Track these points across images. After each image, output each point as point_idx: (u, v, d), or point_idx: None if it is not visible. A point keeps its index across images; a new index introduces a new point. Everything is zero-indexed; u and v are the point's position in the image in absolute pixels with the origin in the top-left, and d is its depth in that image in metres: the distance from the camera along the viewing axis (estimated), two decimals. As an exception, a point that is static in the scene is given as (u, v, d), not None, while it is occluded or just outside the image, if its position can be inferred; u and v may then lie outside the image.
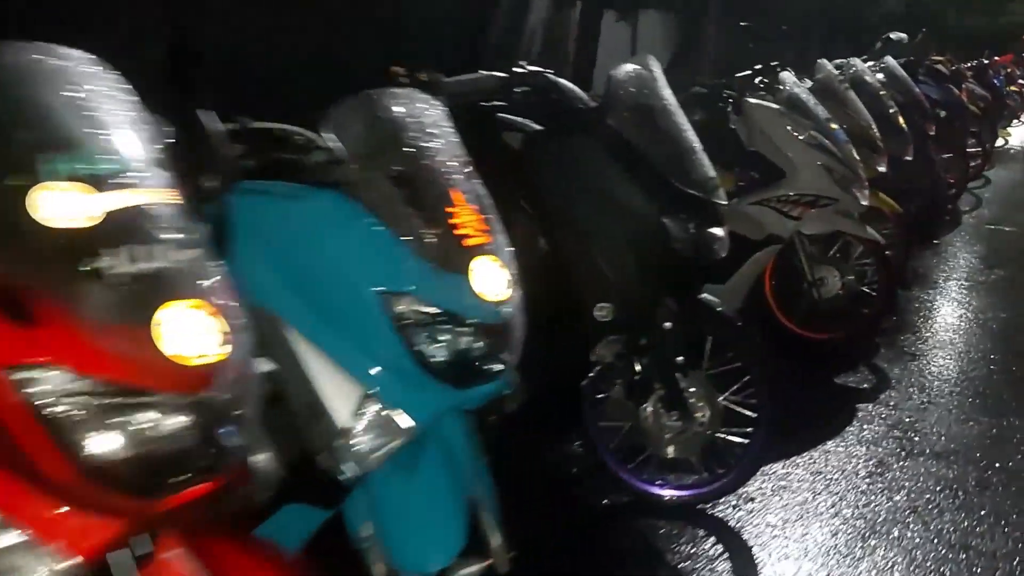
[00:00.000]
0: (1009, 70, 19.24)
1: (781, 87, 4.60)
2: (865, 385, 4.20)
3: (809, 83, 5.36)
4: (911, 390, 4.10)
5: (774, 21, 12.17)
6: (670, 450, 2.93)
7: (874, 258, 4.59)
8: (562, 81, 2.73)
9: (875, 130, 5.36)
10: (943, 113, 8.59)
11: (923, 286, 5.89)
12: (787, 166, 4.45)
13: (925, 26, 15.02)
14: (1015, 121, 18.43)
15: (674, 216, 2.70)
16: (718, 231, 2.83)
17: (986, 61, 15.04)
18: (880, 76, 7.51)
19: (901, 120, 6.08)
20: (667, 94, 2.80)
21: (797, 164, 4.42)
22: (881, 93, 6.10)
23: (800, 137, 4.44)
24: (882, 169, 5.31)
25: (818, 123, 4.50)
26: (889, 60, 7.69)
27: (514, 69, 2.70)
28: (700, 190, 2.75)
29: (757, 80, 5.06)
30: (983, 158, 10.24)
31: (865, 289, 4.62)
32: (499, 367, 1.71)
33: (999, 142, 14.86)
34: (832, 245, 4.61)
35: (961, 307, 5.48)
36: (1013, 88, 18.86)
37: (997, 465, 3.36)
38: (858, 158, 4.91)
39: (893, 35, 8.88)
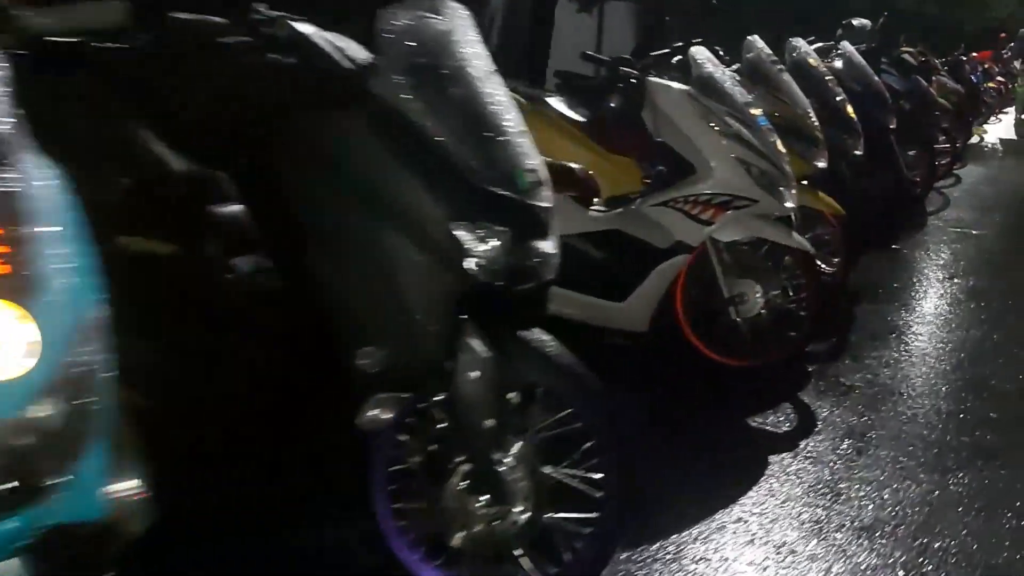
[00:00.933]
0: (987, 66, 18.59)
1: (695, 66, 3.83)
2: (785, 427, 3.43)
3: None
4: (839, 437, 3.34)
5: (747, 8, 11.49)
6: (484, 541, 2.14)
7: (803, 270, 3.83)
8: (321, 36, 1.93)
9: (813, 120, 4.61)
10: (907, 106, 7.87)
11: (871, 300, 5.12)
12: (697, 160, 3.69)
13: (903, 19, 14.40)
14: (992, 118, 17.79)
15: (474, 225, 1.92)
16: (543, 245, 2.05)
17: (963, 56, 14.36)
18: (837, 64, 6.80)
19: (850, 110, 5.33)
20: (468, 52, 2.02)
21: (709, 158, 3.67)
22: (827, 79, 5.35)
23: (713, 126, 3.67)
24: (821, 165, 4.57)
25: (736, 109, 3.74)
26: (846, 46, 6.95)
27: (251, 15, 1.90)
28: (509, 188, 1.98)
29: (676, 60, 4.34)
30: (953, 155, 9.52)
31: (793, 307, 3.86)
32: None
33: (973, 139, 14.19)
34: (755, 255, 3.85)
35: (913, 326, 4.71)
36: (991, 85, 18.23)
37: (936, 545, 2.60)
38: (785, 151, 4.18)
39: (855, 21, 8.13)
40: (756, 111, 3.77)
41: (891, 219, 7.08)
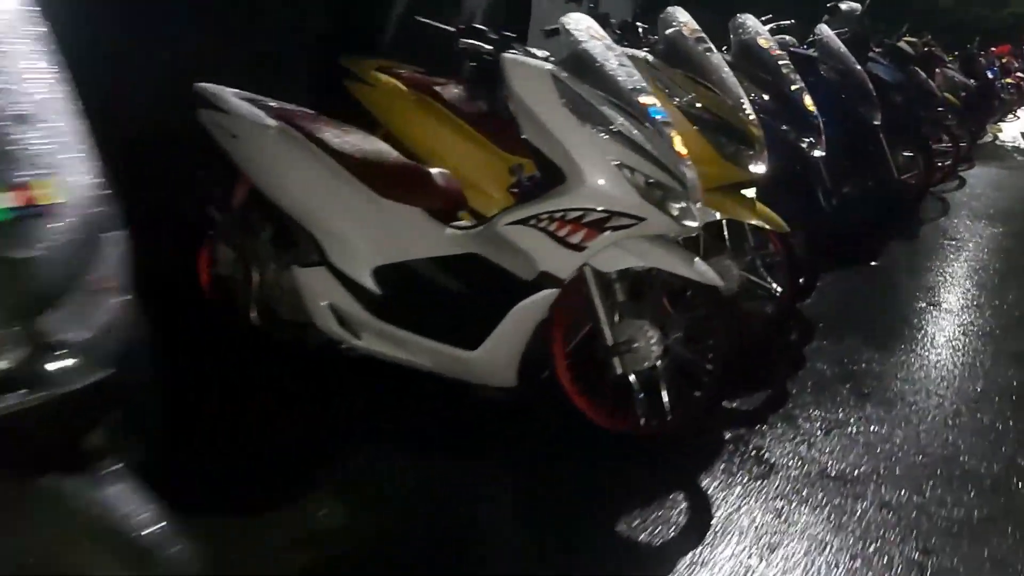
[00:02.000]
0: (1005, 60, 17.46)
1: (566, 36, 2.92)
2: (674, 527, 2.51)
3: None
4: (746, 546, 2.42)
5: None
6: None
7: (708, 310, 2.90)
8: None
9: (748, 113, 3.68)
10: (899, 99, 6.90)
11: (826, 335, 4.14)
12: (565, 164, 2.78)
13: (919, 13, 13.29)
14: (1009, 116, 16.68)
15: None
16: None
17: (978, 50, 13.30)
18: (811, 51, 5.87)
19: (808, 102, 4.39)
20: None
21: (579, 161, 2.76)
22: (782, 64, 4.41)
23: (585, 119, 2.76)
24: (757, 170, 3.63)
25: (620, 96, 2.82)
26: (823, 29, 6.02)
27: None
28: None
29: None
30: (957, 155, 8.52)
31: (698, 358, 2.94)
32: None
33: (986, 137, 13.15)
34: (650, 289, 2.94)
35: (874, 375, 3.75)
36: (1009, 80, 17.10)
37: None
38: (706, 151, 3.30)
39: (843, 4, 7.15)
40: (648, 100, 2.85)
41: (876, 229, 6.14)
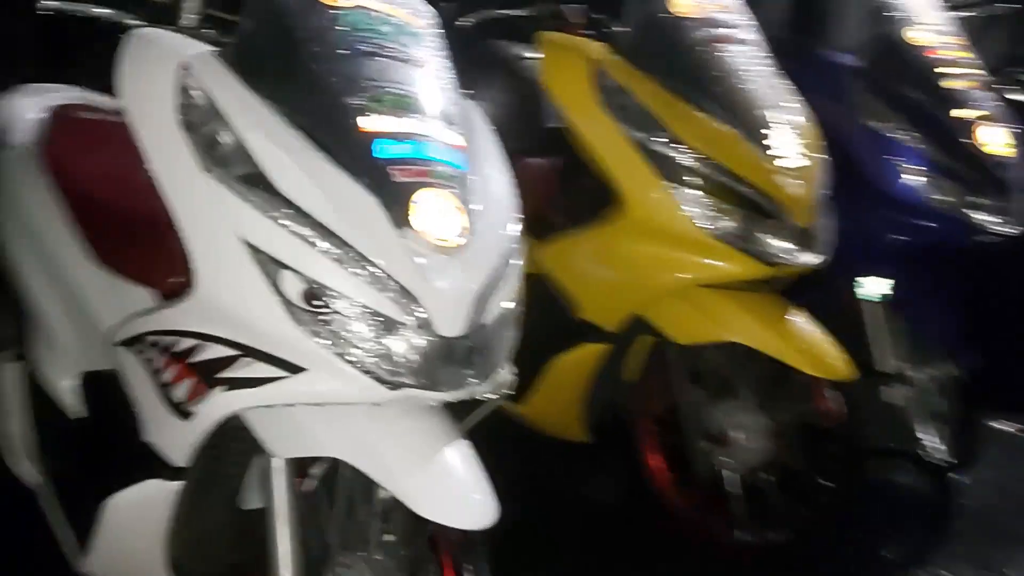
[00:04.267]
0: None
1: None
2: None
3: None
4: None
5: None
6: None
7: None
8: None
9: (782, 162, 2.13)
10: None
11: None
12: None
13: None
14: None
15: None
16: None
17: None
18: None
19: (995, 141, 2.93)
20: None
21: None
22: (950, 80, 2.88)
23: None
24: (806, 260, 2.21)
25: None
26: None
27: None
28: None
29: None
30: None
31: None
32: None
33: None
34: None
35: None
36: None
37: None
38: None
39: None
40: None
41: None
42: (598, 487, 2.49)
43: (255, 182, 1.35)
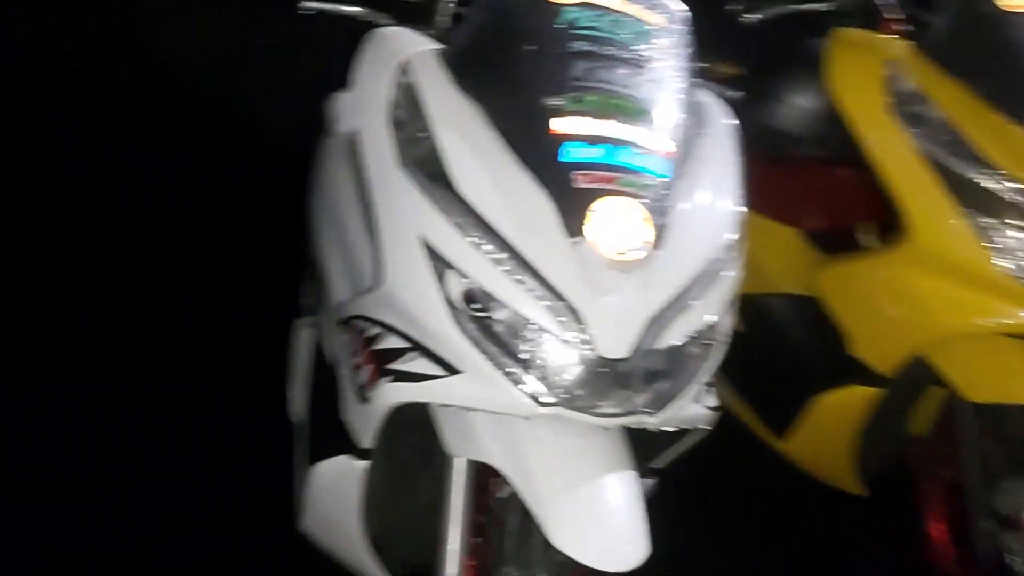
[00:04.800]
0: None
1: None
2: None
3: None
4: None
5: None
6: None
7: None
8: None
9: None
10: None
11: None
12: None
13: None
14: None
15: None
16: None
17: None
18: None
19: None
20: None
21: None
22: None
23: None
24: None
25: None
26: None
27: None
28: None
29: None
30: None
31: None
32: None
33: None
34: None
35: None
36: None
37: None
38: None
39: None
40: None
41: None
42: (863, 549, 2.19)
43: (438, 179, 1.36)
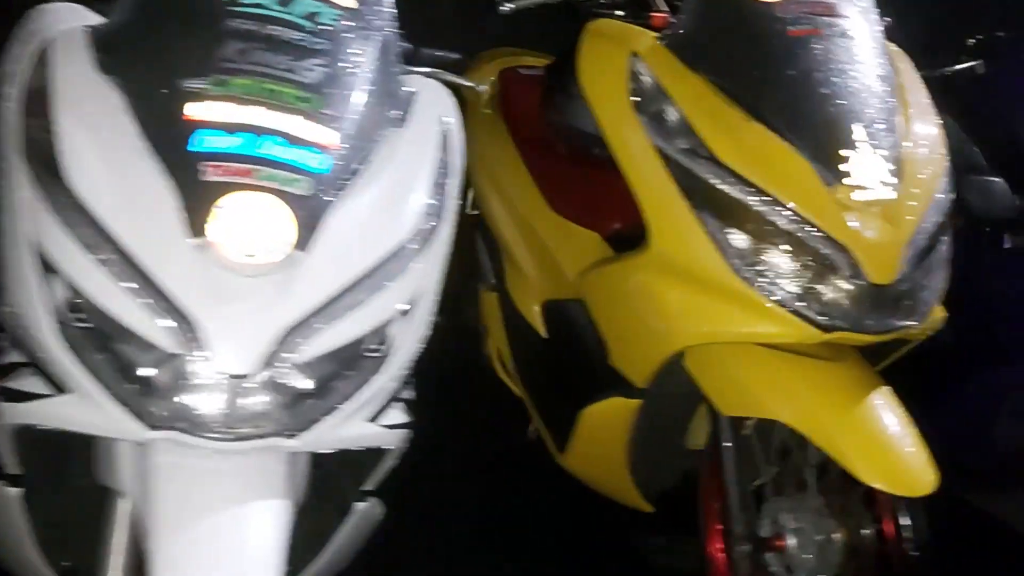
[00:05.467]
0: None
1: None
2: None
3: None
4: None
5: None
6: None
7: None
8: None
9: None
10: None
11: None
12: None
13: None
14: None
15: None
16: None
17: None
18: None
19: None
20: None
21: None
22: None
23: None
24: (904, 323, 1.73)
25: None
26: None
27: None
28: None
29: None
30: None
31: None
32: None
33: None
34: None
35: None
36: None
37: None
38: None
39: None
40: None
41: None
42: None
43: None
